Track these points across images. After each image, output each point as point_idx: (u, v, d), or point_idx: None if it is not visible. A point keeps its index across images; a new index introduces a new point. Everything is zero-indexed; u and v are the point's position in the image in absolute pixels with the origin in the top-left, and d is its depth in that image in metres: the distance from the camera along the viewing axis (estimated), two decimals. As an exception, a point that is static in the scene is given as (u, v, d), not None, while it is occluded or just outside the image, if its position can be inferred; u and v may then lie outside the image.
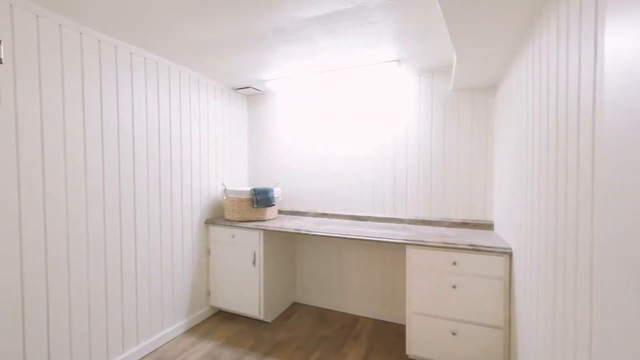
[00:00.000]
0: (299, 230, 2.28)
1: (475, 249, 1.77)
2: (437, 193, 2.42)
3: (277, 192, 2.76)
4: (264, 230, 2.44)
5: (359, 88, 2.68)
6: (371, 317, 2.67)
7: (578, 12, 0.86)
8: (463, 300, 1.81)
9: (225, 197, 2.63)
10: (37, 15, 1.50)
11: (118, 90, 1.90)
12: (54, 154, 1.59)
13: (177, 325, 2.35)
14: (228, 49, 2.03)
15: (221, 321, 2.59)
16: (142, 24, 1.68)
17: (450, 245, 1.82)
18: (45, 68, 1.54)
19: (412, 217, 2.49)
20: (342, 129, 2.76)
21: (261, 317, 2.48)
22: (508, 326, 1.73)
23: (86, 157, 1.73)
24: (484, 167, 2.28)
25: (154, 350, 2.14)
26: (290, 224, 2.47)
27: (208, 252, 2.67)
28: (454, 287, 1.82)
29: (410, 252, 1.94)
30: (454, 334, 1.83)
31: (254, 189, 2.58)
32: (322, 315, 2.71)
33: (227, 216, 2.62)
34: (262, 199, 2.59)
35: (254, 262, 2.46)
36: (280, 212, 3.02)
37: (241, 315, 2.66)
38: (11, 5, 1.41)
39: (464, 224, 2.31)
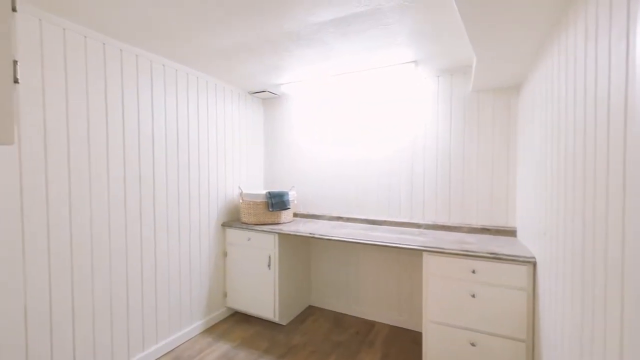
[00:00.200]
0: (314, 234, 2.28)
1: (496, 257, 1.69)
2: (456, 197, 2.35)
3: (292, 196, 2.77)
4: (278, 233, 2.45)
5: (375, 90, 2.65)
6: (387, 323, 2.62)
7: (608, 11, 0.81)
8: (483, 310, 1.74)
9: (241, 200, 2.67)
10: (64, 29, 1.58)
11: (139, 98, 1.97)
12: (78, 162, 1.66)
13: (195, 326, 2.40)
14: (244, 55, 2.05)
15: (237, 322, 2.62)
16: (161, 33, 1.73)
17: (469, 252, 1.76)
18: (71, 78, 1.62)
19: (430, 222, 2.42)
20: (358, 132, 2.73)
21: (276, 319, 2.49)
22: (531, 339, 1.64)
23: (108, 163, 1.81)
24: (505, 170, 2.18)
25: (172, 350, 2.20)
26: (305, 228, 2.47)
27: (225, 254, 2.71)
28: (473, 296, 1.75)
29: (427, 258, 1.89)
30: (473, 344, 1.76)
31: (269, 193, 2.60)
32: (337, 320, 2.69)
33: (243, 219, 2.65)
34: (277, 202, 2.60)
35: (269, 265, 2.48)
36: (295, 215, 3.03)
37: (257, 317, 2.69)
38: (40, 20, 1.49)
39: (484, 230, 2.23)
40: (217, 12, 1.51)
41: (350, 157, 2.78)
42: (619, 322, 0.74)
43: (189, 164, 2.35)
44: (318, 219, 2.91)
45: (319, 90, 2.87)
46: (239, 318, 2.70)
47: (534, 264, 1.63)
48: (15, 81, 0.57)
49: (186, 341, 2.32)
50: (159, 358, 2.10)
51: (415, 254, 2.51)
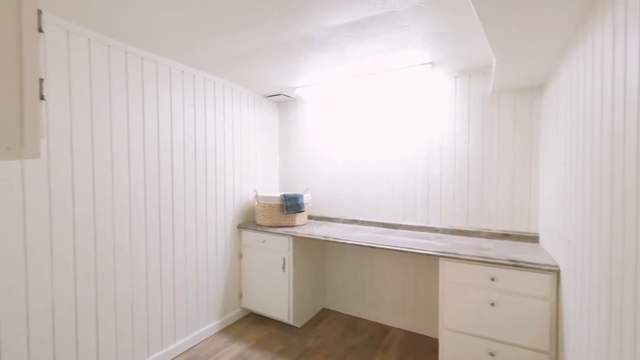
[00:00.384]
0: (328, 237, 2.27)
1: (516, 265, 1.63)
2: (475, 201, 2.28)
3: (306, 198, 2.78)
4: (293, 236, 2.46)
5: (390, 93, 2.61)
6: (402, 328, 2.58)
7: (638, 12, 0.76)
8: (502, 319, 1.68)
9: (256, 203, 2.70)
10: (88, 39, 1.65)
11: (158, 104, 2.03)
12: (102, 170, 1.73)
13: (211, 325, 2.45)
14: (259, 59, 2.08)
15: (252, 323, 2.66)
16: (180, 42, 1.77)
17: (488, 259, 1.70)
18: (96, 87, 1.69)
19: (447, 227, 2.37)
20: (373, 135, 2.71)
21: (290, 321, 2.51)
22: (555, 351, 1.57)
23: (130, 169, 1.87)
24: (527, 172, 2.10)
25: (189, 349, 2.25)
26: (320, 231, 2.47)
27: (240, 256, 2.75)
28: (492, 304, 1.70)
29: (444, 264, 1.85)
30: (492, 354, 1.71)
31: (283, 195, 2.62)
32: (352, 323, 2.68)
33: (258, 221, 2.69)
34: (291, 205, 2.62)
35: (283, 268, 2.49)
36: (310, 217, 3.04)
37: (271, 319, 2.71)
38: (67, 32, 1.56)
39: (504, 236, 2.15)
40: (234, 21, 1.54)
41: (365, 160, 2.75)
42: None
43: (206, 167, 2.40)
44: (332, 221, 2.91)
45: (334, 93, 2.86)
46: (254, 319, 2.74)
47: (558, 273, 1.56)
48: (42, 98, 0.60)
49: (203, 340, 2.37)
50: (177, 356, 2.15)
51: (431, 259, 2.46)
